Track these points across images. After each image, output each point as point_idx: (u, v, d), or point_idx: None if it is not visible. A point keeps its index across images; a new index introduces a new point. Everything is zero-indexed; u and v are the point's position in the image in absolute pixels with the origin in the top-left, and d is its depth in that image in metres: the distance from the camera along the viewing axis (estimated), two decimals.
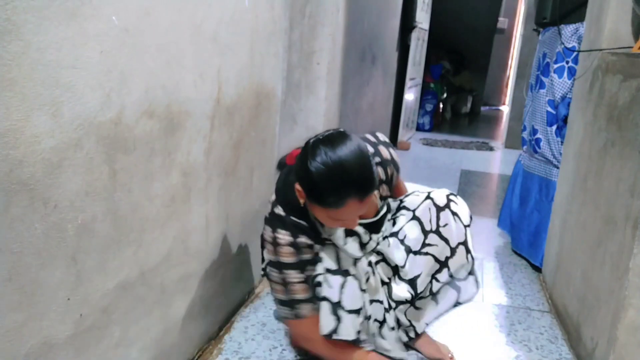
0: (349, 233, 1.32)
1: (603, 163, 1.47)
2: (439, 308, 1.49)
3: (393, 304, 1.42)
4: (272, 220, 1.28)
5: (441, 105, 6.61)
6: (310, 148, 1.15)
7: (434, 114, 5.98)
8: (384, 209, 1.38)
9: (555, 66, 2.04)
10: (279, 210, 1.28)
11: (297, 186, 1.19)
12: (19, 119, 0.73)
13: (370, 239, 1.36)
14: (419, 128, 5.70)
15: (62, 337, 0.87)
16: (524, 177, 2.31)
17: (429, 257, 1.38)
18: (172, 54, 1.08)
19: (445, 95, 6.55)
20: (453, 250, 1.39)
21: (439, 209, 1.37)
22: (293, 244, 1.26)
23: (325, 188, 1.12)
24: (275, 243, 1.26)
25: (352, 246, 1.33)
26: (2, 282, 0.74)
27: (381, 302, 1.40)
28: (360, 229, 1.34)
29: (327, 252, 1.31)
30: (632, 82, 1.32)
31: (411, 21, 4.18)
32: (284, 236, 1.25)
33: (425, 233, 1.37)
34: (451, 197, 1.39)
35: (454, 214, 1.38)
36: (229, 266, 1.55)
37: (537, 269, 2.15)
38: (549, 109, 2.09)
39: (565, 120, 2.02)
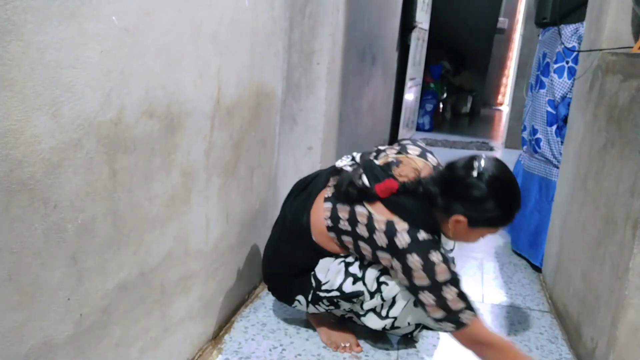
0: None
1: (603, 163, 1.47)
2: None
3: None
4: (421, 246, 1.28)
5: (441, 105, 6.61)
6: (472, 178, 1.26)
7: (434, 114, 5.98)
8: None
9: (555, 66, 2.04)
10: (424, 236, 1.29)
11: (457, 218, 1.28)
12: (19, 119, 0.73)
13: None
14: (419, 128, 5.71)
15: (62, 337, 0.87)
16: (524, 177, 2.31)
17: None
18: (172, 54, 1.08)
19: (445, 95, 6.55)
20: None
21: None
22: (445, 261, 1.28)
23: (505, 210, 1.28)
24: (428, 266, 1.26)
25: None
26: (2, 282, 0.74)
27: None
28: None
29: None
30: (632, 82, 1.32)
31: (411, 21, 4.18)
32: (437, 257, 1.27)
33: None
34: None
35: None
36: (229, 266, 1.55)
37: (537, 269, 2.15)
38: (549, 109, 2.09)
39: (565, 120, 2.02)
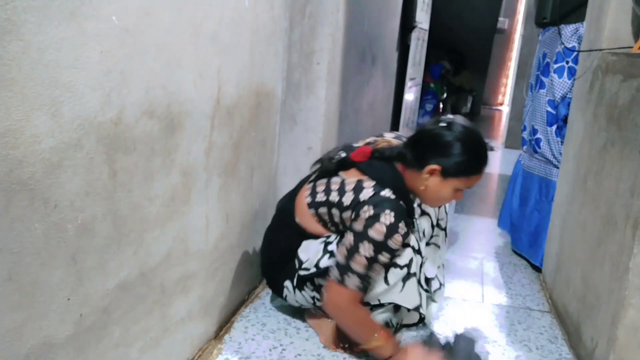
0: (423, 213, 1.62)
1: (603, 163, 1.47)
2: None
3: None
4: (383, 202, 1.31)
5: (441, 105, 6.61)
6: (440, 128, 1.34)
7: (434, 114, 5.97)
8: None
9: (555, 66, 2.04)
10: (388, 194, 1.34)
11: (431, 167, 1.34)
12: (19, 119, 0.73)
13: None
14: None
15: (62, 337, 0.87)
16: (524, 177, 2.31)
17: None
18: (172, 54, 1.08)
19: (445, 95, 6.54)
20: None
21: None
22: (390, 227, 1.28)
23: (473, 156, 1.34)
24: (391, 229, 1.28)
25: (426, 222, 1.62)
26: (2, 282, 0.74)
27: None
28: (430, 210, 1.62)
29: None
30: (632, 82, 1.32)
31: (411, 21, 4.18)
32: (386, 217, 1.28)
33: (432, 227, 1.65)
34: None
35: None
36: (229, 266, 1.55)
37: (537, 269, 2.15)
38: (549, 109, 2.09)
39: (565, 120, 2.02)
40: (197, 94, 1.21)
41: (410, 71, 4.54)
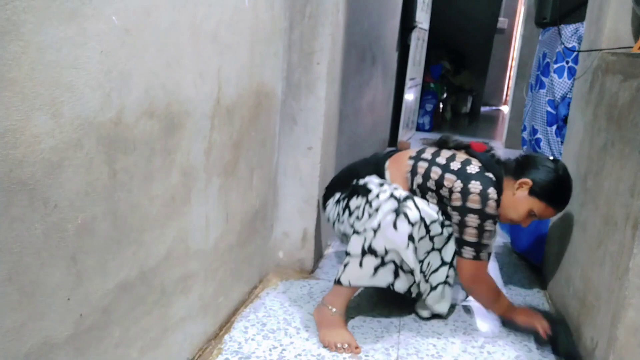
0: None
1: (603, 163, 1.47)
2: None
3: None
4: (484, 178, 1.51)
5: (441, 105, 6.61)
6: (546, 159, 1.57)
7: (434, 114, 5.97)
8: None
9: (555, 66, 2.04)
10: (491, 175, 1.54)
11: (525, 179, 1.53)
12: (19, 119, 0.73)
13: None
14: (419, 128, 5.70)
15: (62, 337, 0.87)
16: None
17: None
18: (172, 54, 1.08)
19: (445, 95, 6.54)
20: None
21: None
22: (497, 202, 1.51)
23: (561, 191, 1.54)
24: (485, 196, 1.48)
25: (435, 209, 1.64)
26: (2, 282, 0.74)
27: None
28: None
29: (418, 200, 1.55)
30: (632, 82, 1.32)
31: (411, 21, 4.18)
32: (493, 194, 1.49)
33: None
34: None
35: None
36: (229, 266, 1.55)
37: (537, 269, 2.15)
38: (549, 109, 2.09)
39: (565, 120, 2.02)
40: (197, 93, 1.21)
41: (410, 71, 4.54)
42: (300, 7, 1.78)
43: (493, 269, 2.15)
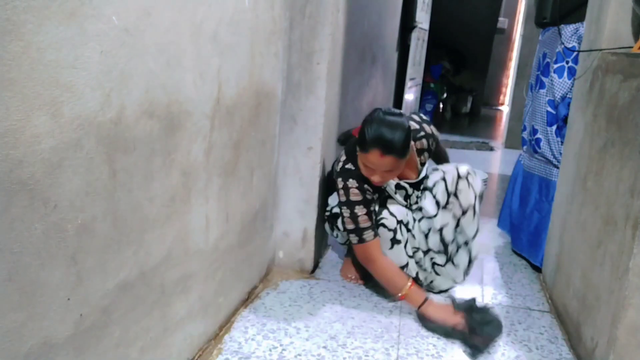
0: (398, 187, 1.82)
1: (603, 163, 1.47)
2: (461, 267, 1.83)
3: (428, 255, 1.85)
4: (344, 173, 1.71)
5: (441, 105, 6.61)
6: (373, 113, 1.63)
7: (434, 114, 5.98)
8: (424, 172, 1.83)
9: (555, 66, 2.04)
10: (350, 166, 1.71)
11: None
12: (19, 119, 0.73)
13: (413, 193, 1.84)
14: None
15: (62, 337, 0.87)
16: (524, 177, 2.31)
17: (450, 213, 1.75)
18: (172, 54, 1.08)
19: (445, 95, 6.55)
20: (465, 212, 1.74)
21: (459, 178, 1.74)
22: (359, 188, 1.68)
23: (365, 135, 1.58)
24: (346, 188, 1.69)
25: (399, 196, 1.82)
26: (2, 282, 0.74)
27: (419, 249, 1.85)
28: (406, 185, 1.82)
29: (393, 208, 1.76)
30: (632, 82, 1.32)
31: (411, 21, 4.18)
32: (352, 182, 1.68)
33: (448, 194, 1.73)
34: (470, 171, 1.77)
35: (469, 184, 1.74)
36: (229, 266, 1.55)
37: (537, 269, 2.15)
38: (549, 109, 2.09)
39: (565, 120, 2.02)
40: (197, 94, 1.21)
41: (410, 71, 4.54)
42: (300, 7, 1.78)
43: (493, 269, 2.16)
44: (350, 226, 1.69)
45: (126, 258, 1.02)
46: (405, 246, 1.79)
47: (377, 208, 1.76)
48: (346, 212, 1.69)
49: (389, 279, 1.71)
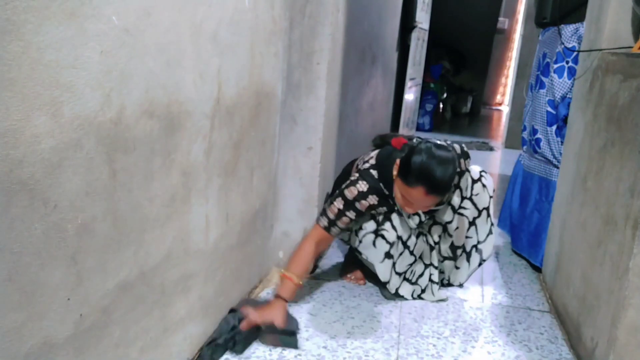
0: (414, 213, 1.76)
1: (603, 163, 1.47)
2: (471, 268, 1.91)
3: (437, 262, 1.89)
4: (365, 175, 1.67)
5: (441, 105, 6.61)
6: (422, 143, 1.57)
7: (434, 114, 5.97)
8: (445, 202, 1.78)
9: (555, 66, 2.04)
10: (374, 173, 1.68)
11: (398, 162, 1.58)
12: (19, 119, 0.73)
13: (427, 218, 1.80)
14: (419, 128, 5.70)
15: (62, 337, 0.87)
16: (524, 177, 2.30)
17: (464, 217, 1.79)
18: (172, 54, 1.08)
19: (445, 95, 6.54)
20: (480, 213, 1.81)
21: (474, 181, 1.77)
22: (372, 207, 1.67)
23: (413, 169, 1.51)
24: (351, 183, 1.65)
25: (413, 221, 1.76)
26: (2, 282, 0.74)
27: (422, 259, 1.87)
28: (421, 214, 1.75)
29: (396, 222, 1.73)
30: (632, 82, 1.32)
31: (411, 21, 4.18)
32: (361, 186, 1.64)
33: (462, 198, 1.77)
34: (482, 173, 1.81)
35: (484, 186, 1.79)
36: (229, 266, 1.55)
37: (537, 269, 2.15)
38: (549, 109, 2.09)
39: (565, 120, 2.02)
40: (197, 94, 1.21)
41: (410, 71, 4.54)
42: (300, 7, 1.78)
43: (493, 269, 2.16)
44: (326, 206, 1.67)
45: (126, 258, 1.02)
46: (394, 264, 1.77)
47: (380, 219, 1.73)
48: (337, 202, 1.65)
49: (292, 257, 1.68)
